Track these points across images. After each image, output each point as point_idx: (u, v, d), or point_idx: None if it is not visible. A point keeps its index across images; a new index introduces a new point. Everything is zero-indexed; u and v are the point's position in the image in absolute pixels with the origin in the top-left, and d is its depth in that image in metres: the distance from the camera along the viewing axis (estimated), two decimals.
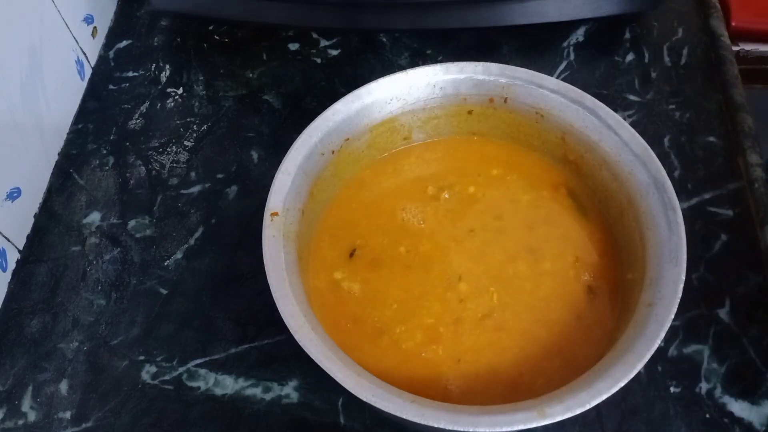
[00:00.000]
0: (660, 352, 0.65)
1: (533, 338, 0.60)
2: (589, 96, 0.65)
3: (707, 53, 0.86)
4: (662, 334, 0.52)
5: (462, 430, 0.49)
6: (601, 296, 0.62)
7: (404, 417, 0.50)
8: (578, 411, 0.50)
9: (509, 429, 0.49)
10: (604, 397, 0.50)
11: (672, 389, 0.63)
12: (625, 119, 0.65)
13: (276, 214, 0.60)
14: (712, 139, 0.79)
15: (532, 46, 0.88)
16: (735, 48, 0.95)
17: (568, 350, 0.60)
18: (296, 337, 0.53)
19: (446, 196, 0.68)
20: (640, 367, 0.51)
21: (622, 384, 0.51)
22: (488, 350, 0.60)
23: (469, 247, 0.65)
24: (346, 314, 0.62)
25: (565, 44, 0.88)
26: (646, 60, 0.86)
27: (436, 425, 0.50)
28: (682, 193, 0.74)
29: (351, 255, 0.65)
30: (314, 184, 0.65)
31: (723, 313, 0.67)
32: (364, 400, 0.51)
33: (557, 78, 0.71)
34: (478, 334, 0.61)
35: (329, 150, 0.66)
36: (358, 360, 0.56)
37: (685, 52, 0.87)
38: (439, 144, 0.72)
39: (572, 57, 0.87)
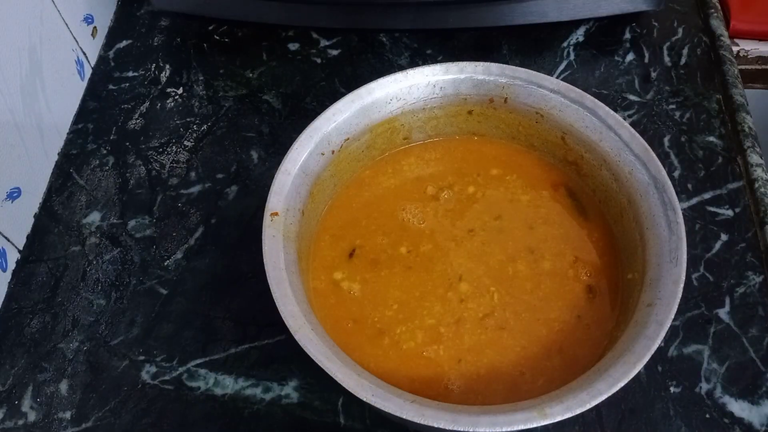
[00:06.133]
0: (660, 352, 0.65)
1: (534, 337, 0.60)
2: (589, 96, 0.65)
3: (707, 53, 0.87)
4: (662, 334, 0.52)
5: (462, 430, 0.49)
6: (601, 296, 0.62)
7: (404, 417, 0.50)
8: (578, 411, 0.50)
9: (509, 429, 0.49)
10: (604, 397, 0.50)
11: (672, 389, 0.63)
12: (625, 119, 0.65)
13: (276, 214, 0.60)
14: (712, 139, 0.79)
15: (532, 46, 0.88)
16: (735, 48, 0.95)
17: (568, 350, 0.60)
18: (296, 337, 0.53)
19: (446, 196, 0.68)
20: (640, 367, 0.51)
21: (622, 384, 0.50)
22: (489, 350, 0.60)
23: (469, 247, 0.65)
24: (347, 314, 0.62)
25: (565, 44, 0.88)
26: (646, 60, 0.86)
27: (436, 425, 0.50)
28: (682, 193, 0.74)
29: (351, 255, 0.65)
30: (314, 184, 0.65)
31: (723, 313, 0.67)
32: (365, 400, 0.51)
33: (557, 78, 0.71)
34: (479, 333, 0.61)
35: (329, 150, 0.66)
36: (358, 360, 0.56)
37: (685, 52, 0.87)
38: (438, 144, 0.72)
39: (572, 57, 0.87)
